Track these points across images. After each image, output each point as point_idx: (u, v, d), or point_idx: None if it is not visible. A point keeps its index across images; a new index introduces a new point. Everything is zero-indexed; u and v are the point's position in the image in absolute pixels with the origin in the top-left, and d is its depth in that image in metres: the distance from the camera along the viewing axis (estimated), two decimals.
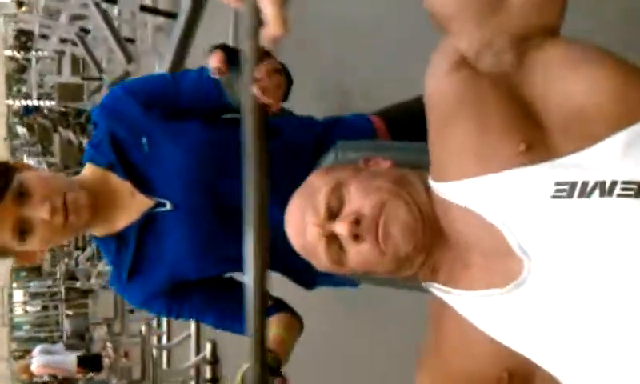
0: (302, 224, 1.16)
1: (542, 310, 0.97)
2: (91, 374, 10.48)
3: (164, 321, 8.67)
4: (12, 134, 23.98)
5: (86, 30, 9.30)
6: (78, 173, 1.64)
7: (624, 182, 0.90)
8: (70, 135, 13.41)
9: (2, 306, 18.19)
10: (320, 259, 1.17)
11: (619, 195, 0.90)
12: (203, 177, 1.51)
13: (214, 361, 6.87)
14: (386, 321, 3.58)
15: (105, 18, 6.85)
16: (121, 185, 1.53)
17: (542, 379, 1.00)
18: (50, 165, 14.64)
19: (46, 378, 12.99)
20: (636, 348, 0.91)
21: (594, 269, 0.93)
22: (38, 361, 11.47)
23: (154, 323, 8.86)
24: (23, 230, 1.42)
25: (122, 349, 8.91)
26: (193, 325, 7.31)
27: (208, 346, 6.93)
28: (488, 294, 1.03)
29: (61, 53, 12.51)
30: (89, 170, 1.57)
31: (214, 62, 1.28)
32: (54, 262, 16.47)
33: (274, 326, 1.56)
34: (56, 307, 15.65)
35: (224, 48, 1.31)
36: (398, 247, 1.09)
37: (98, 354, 9.47)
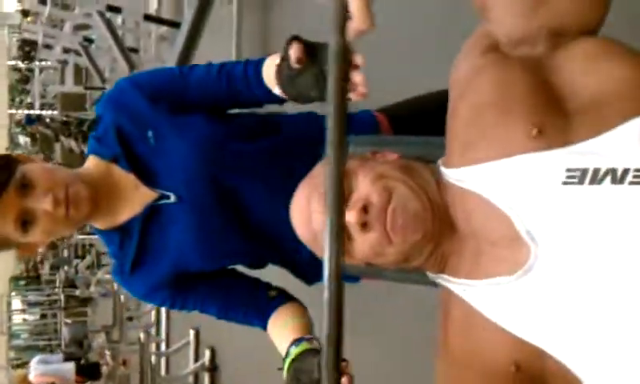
0: (309, 213, 1.15)
1: (550, 297, 0.97)
2: (89, 383, 10.44)
3: (162, 328, 8.71)
4: (14, 144, 24.03)
5: (89, 40, 9.35)
6: None
7: (636, 170, 0.90)
8: (72, 144, 13.43)
9: (0, 314, 18.12)
10: None
11: (631, 183, 0.90)
12: (208, 170, 1.51)
13: (213, 368, 6.90)
14: (387, 316, 3.59)
15: (109, 27, 6.89)
16: (125, 177, 1.54)
17: (552, 371, 0.99)
18: None
19: None
20: None
21: (602, 255, 0.92)
22: (36, 370, 11.44)
23: (153, 331, 8.89)
24: (25, 222, 1.43)
25: (121, 356, 8.88)
26: (192, 332, 7.35)
27: (207, 353, 6.96)
28: (495, 282, 1.03)
29: (64, 63, 12.57)
30: (92, 163, 1.57)
31: (295, 52, 1.26)
32: (53, 270, 16.47)
33: (295, 315, 1.56)
34: (55, 315, 15.60)
35: (300, 40, 1.30)
36: (406, 236, 1.08)
37: (97, 363, 9.44)
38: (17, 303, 19.07)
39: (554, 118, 0.97)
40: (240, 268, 1.68)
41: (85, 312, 14.00)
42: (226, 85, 1.51)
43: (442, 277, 1.14)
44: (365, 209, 1.08)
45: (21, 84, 20.96)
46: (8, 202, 1.40)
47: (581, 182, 0.93)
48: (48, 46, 11.81)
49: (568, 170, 0.94)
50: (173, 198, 1.53)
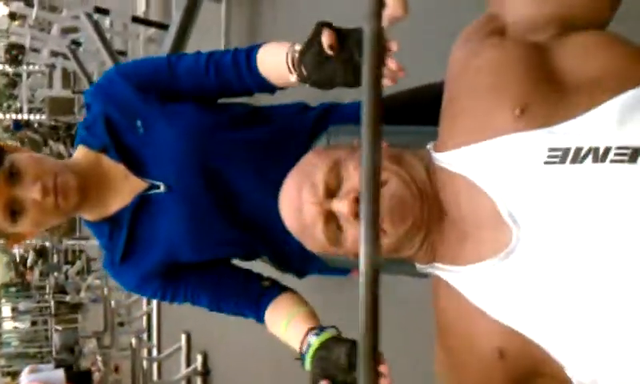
0: (299, 203, 1.14)
1: (533, 281, 0.96)
2: None
3: (154, 333, 8.66)
4: None
5: (77, 43, 9.31)
6: None
7: (618, 148, 0.90)
8: (61, 148, 13.39)
9: None
10: (316, 239, 1.15)
11: (612, 161, 0.90)
12: (197, 158, 1.50)
13: (205, 372, 6.86)
14: (382, 301, 3.57)
15: (96, 29, 6.86)
16: (114, 167, 1.53)
17: (536, 359, 0.99)
18: None
19: None
20: (630, 315, 0.89)
21: (584, 235, 0.92)
22: (26, 379, 11.37)
23: (144, 336, 8.84)
24: (14, 211, 1.42)
25: (112, 362, 8.86)
26: (183, 337, 7.31)
27: (199, 358, 6.92)
28: (479, 267, 1.02)
29: (52, 66, 12.51)
30: (81, 153, 1.56)
31: (328, 39, 1.26)
32: (42, 277, 16.40)
33: (299, 304, 1.54)
34: (45, 322, 15.53)
35: (332, 27, 1.31)
36: (395, 224, 1.08)
37: (88, 370, 9.37)
38: (7, 310, 18.98)
39: (540, 98, 0.97)
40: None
41: (75, 318, 13.95)
42: (214, 74, 1.50)
43: (432, 266, 1.14)
44: (357, 200, 1.07)
45: (8, 89, 20.89)
46: None
47: (562, 161, 0.93)
48: (36, 50, 11.75)
49: (550, 150, 0.94)
50: (162, 188, 1.52)
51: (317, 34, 1.28)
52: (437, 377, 1.16)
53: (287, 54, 1.36)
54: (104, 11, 7.00)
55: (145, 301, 8.84)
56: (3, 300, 19.09)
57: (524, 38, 1.04)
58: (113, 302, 8.83)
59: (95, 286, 11.23)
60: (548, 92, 0.98)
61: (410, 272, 1.26)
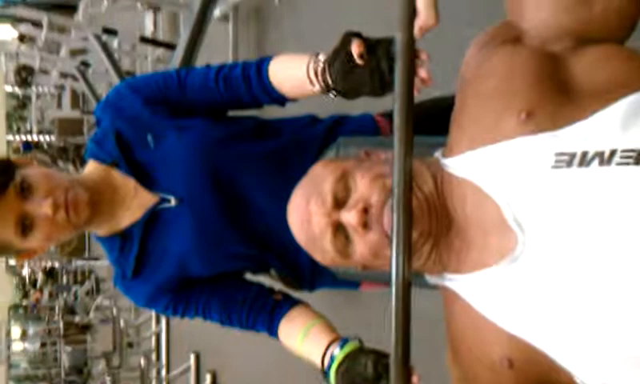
0: (307, 214, 1.13)
1: (537, 287, 0.95)
2: None
3: (163, 353, 8.63)
4: None
5: (86, 64, 9.36)
6: None
7: (623, 151, 0.90)
8: (70, 168, 13.44)
9: None
10: (325, 251, 1.14)
11: (618, 164, 0.90)
12: (208, 172, 1.50)
13: None
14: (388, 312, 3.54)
15: (105, 50, 6.90)
16: (124, 181, 1.53)
17: (545, 368, 0.98)
18: None
19: None
20: (636, 321, 0.89)
21: (591, 239, 0.91)
22: None
23: (153, 356, 8.81)
24: (25, 226, 1.42)
25: (122, 383, 8.83)
26: (192, 357, 7.28)
27: (208, 378, 6.89)
28: (486, 273, 1.01)
29: (61, 88, 12.59)
30: (92, 167, 1.56)
31: (357, 48, 1.27)
32: (52, 297, 16.40)
33: (315, 317, 1.52)
34: (54, 343, 15.51)
35: (359, 36, 1.32)
36: None
37: None
38: (16, 332, 18.98)
39: (546, 103, 0.97)
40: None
41: (84, 339, 13.92)
42: (224, 86, 1.51)
43: (441, 276, 1.13)
44: (365, 210, 1.07)
45: (18, 111, 21.04)
46: (7, 206, 1.40)
47: (569, 165, 0.93)
48: (45, 71, 11.83)
49: (557, 154, 0.94)
50: (173, 202, 1.51)
51: (345, 44, 1.29)
52: None
53: (309, 64, 1.36)
54: (112, 32, 7.04)
55: (154, 321, 8.83)
56: (12, 321, 19.09)
57: (539, 47, 1.04)
58: (122, 323, 8.82)
59: (104, 306, 11.23)
60: (554, 97, 0.98)
61: (421, 284, 1.24)
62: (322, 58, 1.34)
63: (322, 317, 1.52)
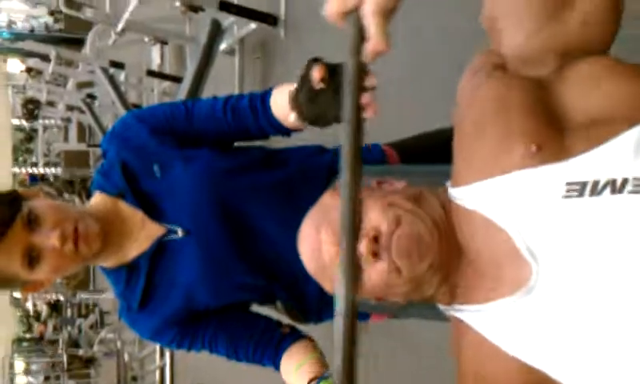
0: (317, 243, 1.12)
1: (553, 318, 0.95)
2: None
3: None
4: None
5: (92, 97, 9.44)
6: None
7: (636, 178, 0.89)
8: (76, 201, 13.46)
9: (2, 376, 17.93)
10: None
11: (631, 192, 0.89)
12: (215, 203, 1.49)
13: None
14: (395, 345, 3.52)
15: (112, 82, 6.95)
16: (131, 213, 1.52)
17: None
18: None
19: None
20: None
21: (605, 268, 0.90)
22: None
23: None
24: (32, 258, 1.40)
25: None
26: None
27: None
28: (500, 304, 1.00)
29: (67, 120, 12.68)
30: (99, 199, 1.55)
31: (318, 73, 1.27)
32: (56, 331, 16.34)
33: (308, 352, 1.52)
34: (58, 377, 15.42)
35: (321, 62, 1.31)
36: (413, 265, 1.06)
37: None
38: (19, 365, 18.89)
39: (553, 134, 0.96)
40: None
41: (88, 373, 13.85)
42: (232, 117, 1.50)
43: (452, 307, 1.12)
44: (376, 239, 1.06)
45: (25, 143, 21.18)
46: (14, 237, 1.38)
47: (581, 194, 0.92)
48: (51, 104, 11.93)
49: (568, 184, 0.93)
50: (180, 233, 1.50)
51: (308, 70, 1.29)
52: None
53: (289, 93, 1.37)
54: (119, 65, 7.10)
55: (158, 354, 8.77)
56: (15, 355, 19.01)
57: (525, 73, 1.04)
58: (126, 356, 8.76)
59: (108, 339, 11.17)
60: (560, 127, 0.97)
61: (431, 315, 1.24)
62: (293, 87, 1.35)
63: (316, 352, 1.51)
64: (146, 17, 6.27)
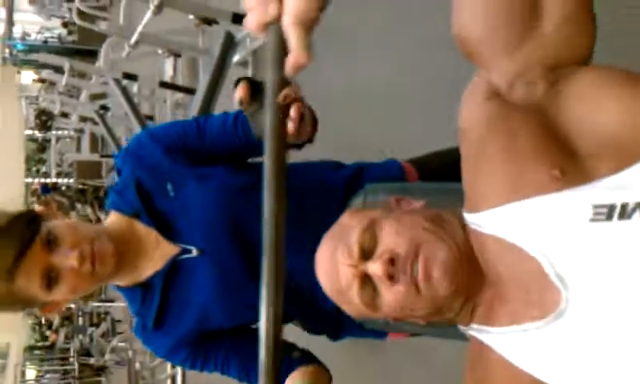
0: (334, 265, 1.11)
1: (584, 343, 0.93)
2: None
3: None
4: None
5: (105, 108, 9.48)
6: None
7: None
8: (88, 211, 13.54)
9: None
10: (352, 303, 1.12)
11: None
12: (230, 221, 1.49)
13: None
14: (413, 364, 3.52)
15: (125, 94, 7.00)
16: (146, 233, 1.52)
17: None
18: None
19: None
20: None
21: (636, 295, 0.88)
22: None
23: None
24: (51, 279, 1.41)
25: None
26: None
27: None
28: (526, 328, 0.99)
29: (80, 131, 12.74)
30: (114, 218, 1.56)
31: (238, 92, 1.29)
32: (67, 339, 16.39)
33: (301, 378, 1.52)
34: None
35: (248, 80, 1.32)
36: (438, 289, 1.05)
37: None
38: (31, 373, 18.93)
39: (571, 157, 0.94)
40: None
41: (99, 381, 13.88)
42: (243, 132, 1.50)
43: (471, 327, 1.10)
44: (392, 261, 1.05)
45: (37, 153, 21.29)
46: (34, 258, 1.39)
47: (609, 218, 0.89)
48: (65, 115, 12.00)
49: (595, 207, 0.90)
50: (195, 252, 1.51)
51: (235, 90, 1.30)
52: None
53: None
54: (132, 77, 7.15)
55: (169, 364, 8.77)
56: (27, 363, 19.06)
57: (520, 95, 1.00)
58: (137, 365, 8.77)
59: (120, 348, 11.18)
60: (574, 148, 0.95)
61: (450, 334, 1.23)
62: None
63: (310, 380, 1.51)
64: (159, 29, 6.32)
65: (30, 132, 18.41)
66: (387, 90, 3.60)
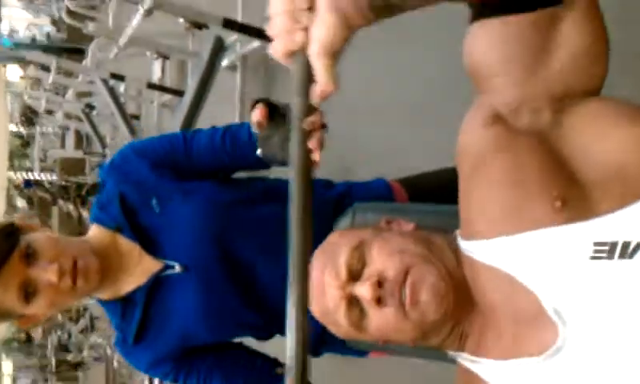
0: (321, 286, 1.10)
1: (580, 381, 0.92)
2: None
3: None
4: (11, 207, 24.05)
5: (91, 106, 9.47)
6: None
7: None
8: (70, 208, 13.48)
9: None
10: (340, 324, 1.11)
11: None
12: (213, 238, 1.48)
13: None
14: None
15: (111, 94, 7.01)
16: (129, 247, 1.51)
17: None
18: None
19: None
20: None
21: (636, 336, 0.87)
22: None
23: None
24: (28, 293, 1.39)
25: None
26: None
27: None
28: (521, 363, 0.97)
29: (65, 128, 12.70)
30: (97, 231, 1.54)
31: (256, 116, 1.27)
32: (45, 334, 16.29)
33: None
34: (46, 380, 15.36)
35: (266, 103, 1.31)
36: (426, 313, 1.04)
37: None
38: (7, 367, 18.77)
39: (575, 189, 0.92)
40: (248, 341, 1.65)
41: (76, 376, 13.80)
42: (231, 147, 1.50)
43: (460, 355, 1.10)
44: (379, 283, 1.05)
45: (21, 149, 21.12)
46: (11, 271, 1.37)
47: (610, 256, 0.88)
48: (50, 112, 11.96)
49: (596, 244, 0.89)
50: (178, 268, 1.50)
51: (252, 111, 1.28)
52: None
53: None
54: (120, 77, 7.17)
55: None
56: (4, 355, 18.88)
57: (524, 122, 0.98)
58: (115, 363, 8.77)
59: (98, 344, 11.16)
60: (578, 182, 0.93)
61: (435, 356, 1.22)
62: None
63: None
64: (148, 32, 6.36)
65: (14, 127, 18.28)
66: (385, 102, 3.67)
